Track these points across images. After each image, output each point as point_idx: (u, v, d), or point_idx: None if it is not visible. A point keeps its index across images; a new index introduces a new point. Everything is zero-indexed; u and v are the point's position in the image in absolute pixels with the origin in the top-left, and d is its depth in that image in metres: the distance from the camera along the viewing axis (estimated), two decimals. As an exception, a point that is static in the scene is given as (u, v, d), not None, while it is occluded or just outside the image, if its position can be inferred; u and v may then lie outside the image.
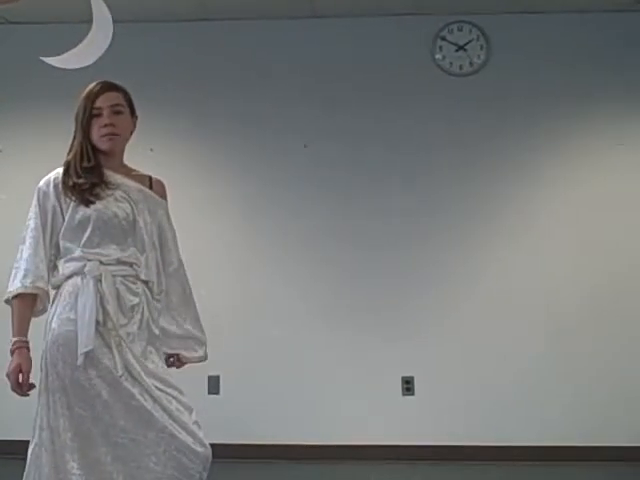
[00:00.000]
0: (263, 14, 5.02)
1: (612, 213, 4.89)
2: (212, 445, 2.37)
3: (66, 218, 2.41)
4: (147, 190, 2.55)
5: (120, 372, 2.27)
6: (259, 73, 5.09)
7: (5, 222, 4.61)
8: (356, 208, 4.98)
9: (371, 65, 5.06)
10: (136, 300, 2.40)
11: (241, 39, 5.10)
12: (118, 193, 2.46)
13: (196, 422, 2.36)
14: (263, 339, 4.89)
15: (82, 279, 2.35)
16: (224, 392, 4.86)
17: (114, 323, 2.31)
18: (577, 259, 4.88)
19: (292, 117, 5.04)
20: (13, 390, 2.30)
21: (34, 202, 2.45)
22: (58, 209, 2.42)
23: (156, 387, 2.31)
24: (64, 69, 3.07)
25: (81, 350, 2.25)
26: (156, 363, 2.40)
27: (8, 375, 2.29)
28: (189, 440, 2.30)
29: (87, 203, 2.39)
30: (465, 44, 5.03)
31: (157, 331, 2.46)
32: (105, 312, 2.31)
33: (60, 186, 2.43)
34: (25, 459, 2.34)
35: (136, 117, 2.57)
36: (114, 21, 3.02)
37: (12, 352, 2.32)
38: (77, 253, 2.39)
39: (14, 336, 2.33)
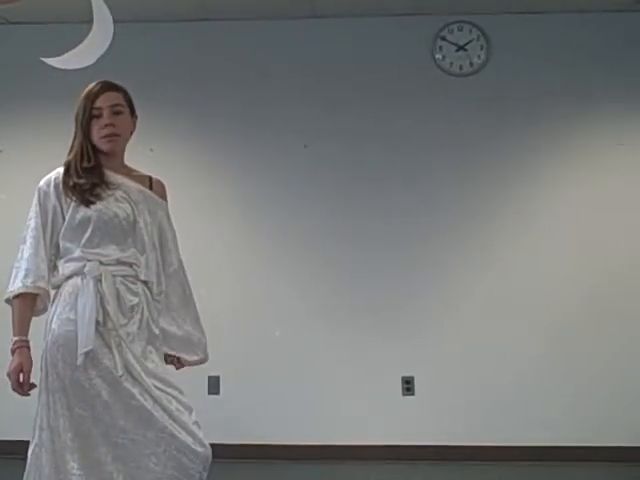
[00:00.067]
0: (263, 14, 5.02)
1: (612, 213, 4.89)
2: (212, 445, 2.37)
3: (66, 218, 2.41)
4: (147, 191, 2.56)
5: (120, 372, 2.27)
6: (259, 73, 5.09)
7: (5, 222, 4.62)
8: (356, 208, 4.98)
9: (371, 65, 5.06)
10: (136, 300, 2.40)
11: (241, 39, 5.10)
12: (118, 193, 2.46)
13: (196, 422, 2.36)
14: (263, 339, 4.89)
15: (82, 279, 2.35)
16: (224, 392, 4.86)
17: (114, 323, 2.31)
18: (577, 259, 4.88)
19: (292, 117, 5.04)
20: (14, 390, 2.31)
21: (34, 202, 2.45)
22: (58, 209, 2.42)
23: (156, 387, 2.32)
24: (64, 69, 3.07)
25: (81, 350, 2.25)
26: (156, 363, 2.40)
27: (9, 375, 2.30)
28: (189, 440, 2.30)
29: (88, 203, 2.40)
30: (465, 44, 5.03)
31: (157, 331, 2.46)
32: (105, 312, 2.32)
33: (61, 186, 2.43)
34: (25, 459, 2.34)
35: (136, 117, 2.57)
36: (114, 21, 3.02)
37: (13, 352, 2.32)
38: (77, 253, 2.39)
39: (15, 335, 2.33)
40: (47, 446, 2.28)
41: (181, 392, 2.39)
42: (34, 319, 2.39)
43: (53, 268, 2.45)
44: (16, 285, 2.35)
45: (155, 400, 2.30)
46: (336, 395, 4.80)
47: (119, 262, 2.40)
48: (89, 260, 2.37)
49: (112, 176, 2.48)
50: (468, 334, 4.84)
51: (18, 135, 5.11)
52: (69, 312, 2.32)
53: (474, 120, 4.98)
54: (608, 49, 4.98)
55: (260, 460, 4.63)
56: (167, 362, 2.53)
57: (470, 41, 5.03)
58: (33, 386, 2.32)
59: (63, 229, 2.42)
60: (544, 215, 4.94)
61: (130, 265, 2.42)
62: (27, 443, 2.34)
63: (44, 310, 2.42)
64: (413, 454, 4.66)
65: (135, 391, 2.28)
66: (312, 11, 5.01)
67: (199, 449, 2.31)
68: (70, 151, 2.49)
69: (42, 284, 2.36)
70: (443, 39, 5.04)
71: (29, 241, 2.40)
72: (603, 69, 4.95)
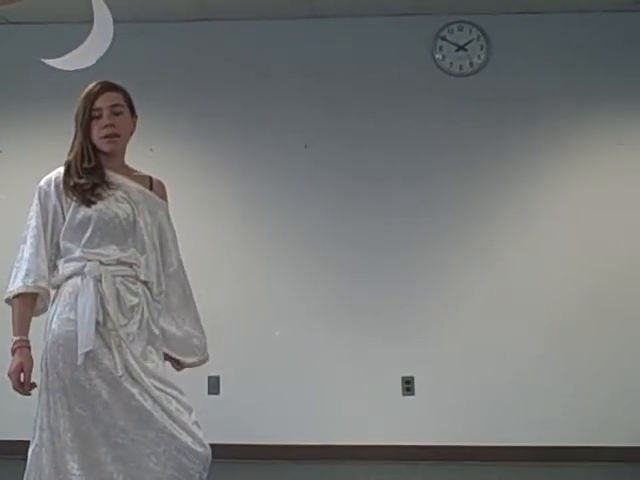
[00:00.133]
0: (263, 14, 5.02)
1: (612, 213, 4.89)
2: (212, 445, 2.37)
3: (67, 218, 2.41)
4: (147, 191, 2.56)
5: (120, 372, 2.28)
6: (259, 73, 5.09)
7: (5, 222, 4.63)
8: (356, 208, 4.98)
9: (371, 65, 5.06)
10: (136, 300, 2.40)
11: (241, 39, 5.10)
12: (119, 193, 2.46)
13: (196, 422, 2.36)
14: (263, 339, 4.89)
15: (82, 279, 2.35)
16: (224, 392, 4.86)
17: (114, 323, 2.31)
18: (577, 259, 4.88)
19: (292, 117, 5.04)
20: (15, 389, 2.31)
21: (35, 201, 2.45)
22: (59, 209, 2.43)
23: (156, 387, 2.32)
24: (64, 69, 3.07)
25: (81, 350, 2.26)
26: (156, 363, 2.40)
27: (10, 374, 2.30)
28: (189, 440, 2.30)
29: (88, 203, 2.40)
30: (465, 44, 5.03)
31: (157, 331, 2.46)
32: (105, 312, 2.32)
33: (61, 186, 2.43)
34: (25, 459, 2.34)
35: (136, 117, 2.57)
36: (114, 21, 3.02)
37: (13, 351, 2.32)
38: (77, 253, 2.40)
39: (15, 335, 2.34)
40: (47, 446, 2.28)
41: (181, 392, 2.39)
42: (34, 319, 2.39)
43: (53, 268, 2.45)
44: (16, 285, 2.35)
45: (155, 400, 2.30)
46: (336, 395, 4.80)
47: (119, 262, 2.40)
48: (89, 260, 2.37)
49: (113, 176, 2.48)
50: (468, 334, 4.84)
51: (18, 135, 5.11)
52: (69, 312, 2.33)
53: (474, 120, 4.98)
54: (608, 49, 4.98)
55: (260, 460, 4.63)
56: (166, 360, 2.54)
57: (470, 41, 5.03)
58: (34, 386, 2.32)
59: (63, 229, 2.42)
60: (544, 215, 4.94)
61: (130, 265, 2.42)
62: (27, 443, 2.34)
63: (44, 310, 2.42)
64: (413, 454, 4.66)
65: (135, 391, 2.28)
66: (312, 11, 5.01)
67: (199, 449, 2.31)
68: (70, 151, 2.49)
69: (43, 284, 2.36)
70: (443, 39, 5.04)
71: (29, 241, 2.40)
72: (603, 69, 4.95)
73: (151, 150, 4.86)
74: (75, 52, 2.96)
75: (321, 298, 4.94)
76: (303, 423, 4.81)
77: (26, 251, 2.39)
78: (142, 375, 2.30)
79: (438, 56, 5.04)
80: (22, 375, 2.30)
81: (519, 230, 4.94)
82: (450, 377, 4.81)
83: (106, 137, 2.44)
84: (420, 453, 4.67)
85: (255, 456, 4.65)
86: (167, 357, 2.54)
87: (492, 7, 4.94)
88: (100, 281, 2.34)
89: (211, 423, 2.62)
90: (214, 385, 4.85)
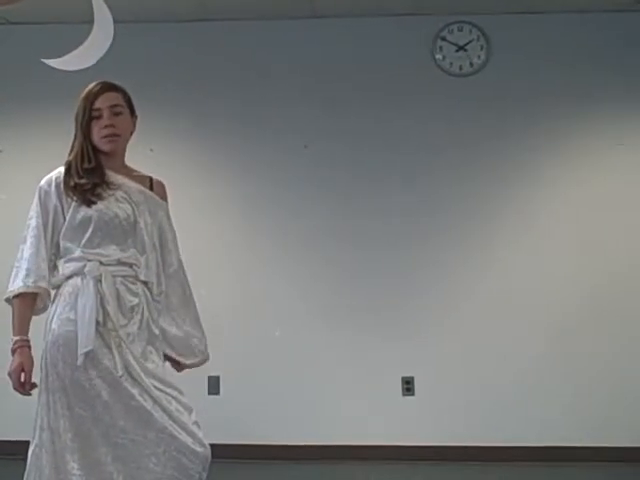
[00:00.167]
0: (263, 14, 5.02)
1: (612, 213, 4.89)
2: (212, 445, 2.37)
3: (67, 218, 2.41)
4: (148, 191, 2.56)
5: (120, 372, 2.28)
6: (259, 73, 5.09)
7: (5, 222, 4.62)
8: (356, 208, 4.98)
9: (371, 65, 5.06)
10: (136, 300, 2.40)
11: (241, 39, 5.10)
12: (119, 194, 2.46)
13: (196, 422, 2.36)
14: (263, 339, 4.89)
15: (82, 279, 2.35)
16: (224, 392, 4.86)
17: (114, 323, 2.31)
18: (577, 259, 4.88)
19: (292, 117, 5.04)
20: (15, 389, 2.31)
21: (35, 201, 2.45)
22: (59, 209, 2.43)
23: (156, 387, 2.32)
24: (65, 70, 3.07)
25: (81, 350, 2.26)
26: (156, 363, 2.40)
27: (10, 374, 2.30)
28: (189, 440, 2.30)
29: (89, 203, 2.40)
30: (465, 44, 5.03)
31: (157, 331, 2.46)
32: (105, 312, 2.32)
33: (62, 186, 2.43)
34: (25, 459, 2.34)
35: (136, 117, 2.57)
36: (114, 21, 3.02)
37: (13, 351, 2.32)
38: (77, 253, 2.40)
39: (15, 335, 2.34)
40: (47, 446, 2.28)
41: (181, 392, 2.39)
42: (34, 319, 2.39)
43: (53, 268, 2.45)
44: (17, 285, 2.35)
45: (155, 400, 2.30)
46: (336, 395, 4.81)
47: (119, 262, 2.40)
48: (89, 260, 2.37)
49: (113, 176, 2.48)
50: (468, 334, 4.84)
51: (18, 135, 5.10)
52: (69, 312, 2.33)
53: (474, 120, 4.98)
54: (608, 49, 4.98)
55: (260, 460, 4.63)
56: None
57: (470, 41, 5.03)
58: (34, 386, 2.32)
59: (64, 229, 2.42)
60: (544, 215, 4.94)
61: (130, 265, 2.42)
62: (27, 443, 2.34)
63: (44, 309, 2.42)
64: (413, 454, 4.66)
65: (135, 391, 2.29)
66: (312, 11, 5.01)
67: (199, 449, 2.31)
68: (70, 151, 2.49)
69: (43, 284, 2.36)
70: (443, 39, 5.04)
71: (30, 240, 2.40)
72: (603, 69, 4.95)
73: (151, 150, 4.86)
74: (75, 52, 2.96)
75: (321, 298, 4.94)
76: (303, 423, 4.81)
77: (26, 251, 2.39)
78: (142, 375, 2.30)
79: (438, 56, 5.04)
80: (22, 375, 2.30)
81: (519, 230, 4.94)
82: (450, 377, 4.81)
83: (106, 137, 2.45)
84: (420, 453, 4.67)
85: (255, 456, 4.65)
86: (167, 357, 2.54)
87: (492, 7, 4.94)
88: (100, 281, 2.34)
89: (211, 423, 2.62)
90: (214, 385, 4.85)
